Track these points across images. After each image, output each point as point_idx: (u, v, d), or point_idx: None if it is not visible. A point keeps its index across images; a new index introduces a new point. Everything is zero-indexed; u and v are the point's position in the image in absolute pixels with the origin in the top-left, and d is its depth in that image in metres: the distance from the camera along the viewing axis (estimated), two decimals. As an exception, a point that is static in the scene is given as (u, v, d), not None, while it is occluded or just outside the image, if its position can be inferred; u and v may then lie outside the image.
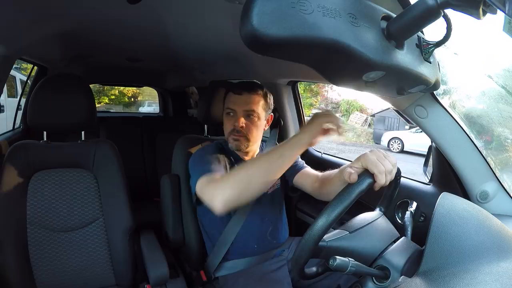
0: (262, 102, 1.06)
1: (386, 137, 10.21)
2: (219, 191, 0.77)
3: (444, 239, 0.61)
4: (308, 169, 1.13)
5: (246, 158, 1.12)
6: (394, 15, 0.50)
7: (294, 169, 1.13)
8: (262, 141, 1.18)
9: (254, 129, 1.06)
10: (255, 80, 1.45)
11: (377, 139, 11.04)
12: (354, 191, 0.59)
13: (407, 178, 1.17)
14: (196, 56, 1.70)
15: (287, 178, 1.18)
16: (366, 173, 0.63)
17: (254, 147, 1.11)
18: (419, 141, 8.24)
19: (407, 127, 10.39)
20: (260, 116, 1.06)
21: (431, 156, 1.05)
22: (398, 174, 0.73)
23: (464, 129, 0.87)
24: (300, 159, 1.17)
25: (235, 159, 1.10)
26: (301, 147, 0.76)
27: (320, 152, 1.67)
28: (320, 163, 1.64)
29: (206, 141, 1.24)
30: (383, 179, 0.63)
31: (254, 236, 1.09)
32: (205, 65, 1.91)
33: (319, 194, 0.99)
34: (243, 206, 1.06)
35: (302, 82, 1.86)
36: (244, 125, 1.04)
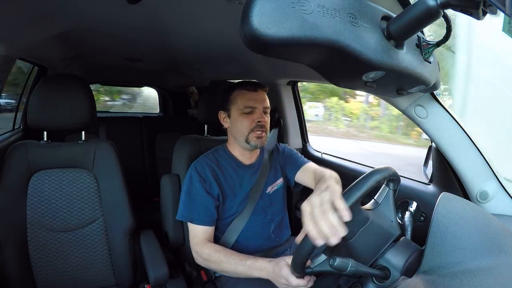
0: (268, 99, 1.09)
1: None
2: (199, 258, 0.99)
3: (444, 239, 0.61)
4: (309, 164, 1.14)
5: (248, 161, 1.12)
6: (394, 15, 0.50)
7: (295, 165, 1.14)
8: None
9: (269, 125, 1.08)
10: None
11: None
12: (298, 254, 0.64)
13: (407, 178, 1.17)
14: (196, 56, 1.70)
15: (288, 177, 1.18)
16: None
17: None
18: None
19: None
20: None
21: (431, 156, 1.05)
22: (397, 180, 0.74)
23: (464, 129, 0.86)
24: (300, 154, 1.19)
25: (234, 166, 1.10)
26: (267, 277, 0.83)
27: (320, 152, 1.67)
28: (320, 163, 1.64)
29: (206, 141, 1.24)
30: (318, 244, 0.56)
31: (257, 235, 1.09)
32: (205, 65, 1.91)
33: None
34: (246, 208, 1.07)
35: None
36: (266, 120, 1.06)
